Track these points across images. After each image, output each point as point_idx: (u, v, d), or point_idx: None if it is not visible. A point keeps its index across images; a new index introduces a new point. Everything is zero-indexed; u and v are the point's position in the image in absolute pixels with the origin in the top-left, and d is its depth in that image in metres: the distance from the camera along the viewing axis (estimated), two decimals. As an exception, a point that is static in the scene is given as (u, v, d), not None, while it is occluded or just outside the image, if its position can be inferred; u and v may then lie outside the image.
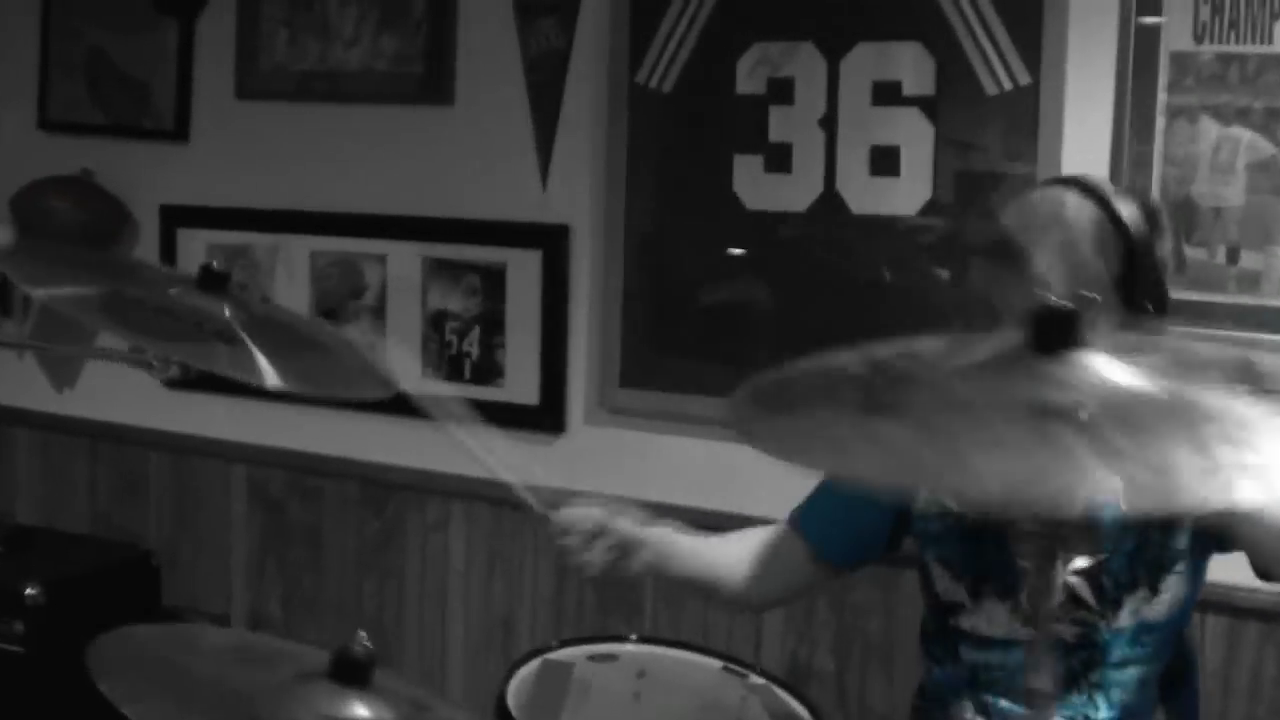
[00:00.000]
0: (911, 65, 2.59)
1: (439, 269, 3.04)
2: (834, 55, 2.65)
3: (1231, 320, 2.39)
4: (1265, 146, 2.37)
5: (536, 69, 2.90)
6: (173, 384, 1.59)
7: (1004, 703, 1.85)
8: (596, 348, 2.92)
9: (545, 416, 2.97)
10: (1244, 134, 2.38)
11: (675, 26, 2.75)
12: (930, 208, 2.61)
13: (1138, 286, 1.76)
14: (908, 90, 2.61)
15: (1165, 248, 1.81)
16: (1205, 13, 2.38)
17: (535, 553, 3.04)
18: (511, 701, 1.74)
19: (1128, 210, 1.78)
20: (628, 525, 1.95)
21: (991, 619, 1.86)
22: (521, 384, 2.98)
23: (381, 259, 3.10)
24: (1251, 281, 2.39)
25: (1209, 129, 2.40)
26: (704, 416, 2.80)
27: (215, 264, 1.63)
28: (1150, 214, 1.81)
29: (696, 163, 2.79)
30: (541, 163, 2.93)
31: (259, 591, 3.37)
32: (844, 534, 2.02)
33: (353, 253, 3.13)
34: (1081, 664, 1.82)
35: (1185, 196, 2.43)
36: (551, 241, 2.93)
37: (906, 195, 2.63)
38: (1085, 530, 1.81)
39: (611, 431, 2.95)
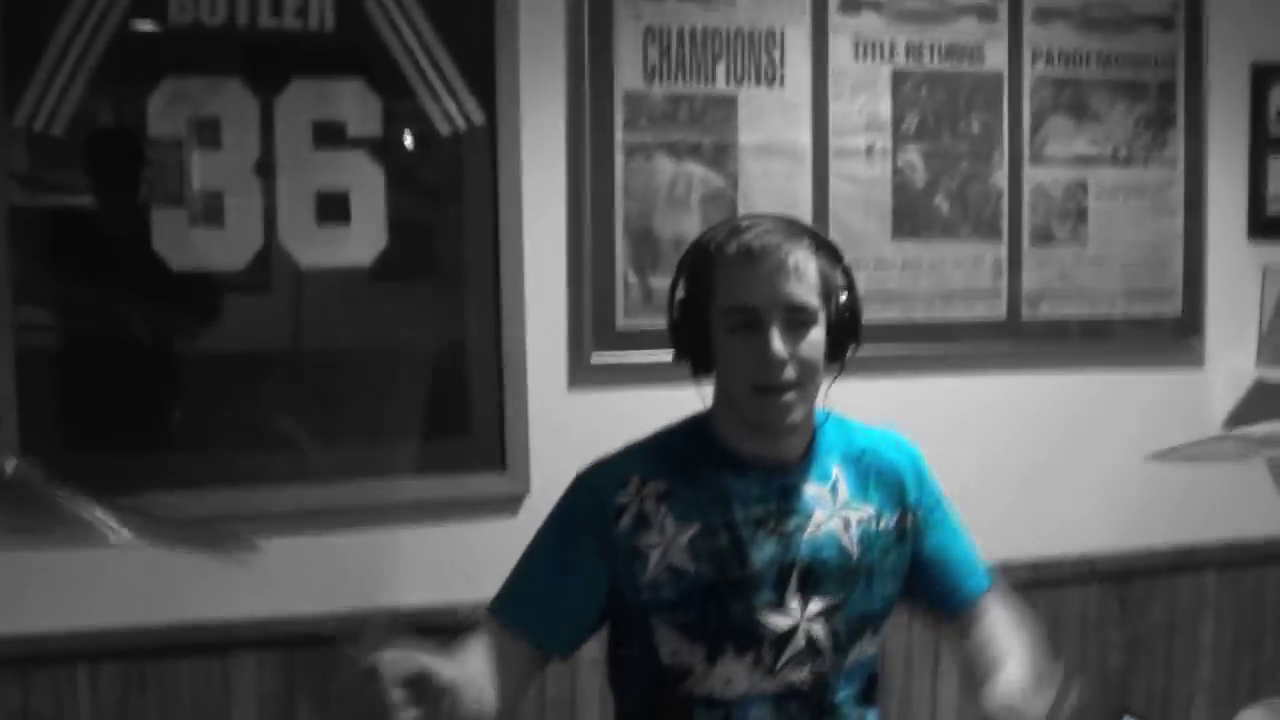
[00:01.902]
0: (356, 104, 2.39)
1: None
2: (266, 93, 2.36)
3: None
4: (715, 179, 2.50)
5: None
6: None
7: None
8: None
9: (-88, 549, 2.33)
10: (696, 169, 2.49)
11: (61, 59, 2.27)
12: (387, 256, 2.43)
13: (854, 321, 1.79)
14: (353, 131, 2.40)
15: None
16: (654, 55, 2.45)
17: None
18: None
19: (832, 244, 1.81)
20: (446, 668, 1.57)
21: (731, 679, 1.78)
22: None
23: None
24: (712, 308, 2.51)
25: (664, 165, 2.48)
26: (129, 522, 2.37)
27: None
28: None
29: (104, 220, 2.34)
30: None
31: None
32: (556, 618, 1.80)
33: None
34: (813, 709, 1.80)
35: (646, 230, 2.49)
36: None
37: (359, 244, 2.42)
38: (822, 572, 1.80)
39: (9, 556, 2.38)
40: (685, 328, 1.80)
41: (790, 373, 1.73)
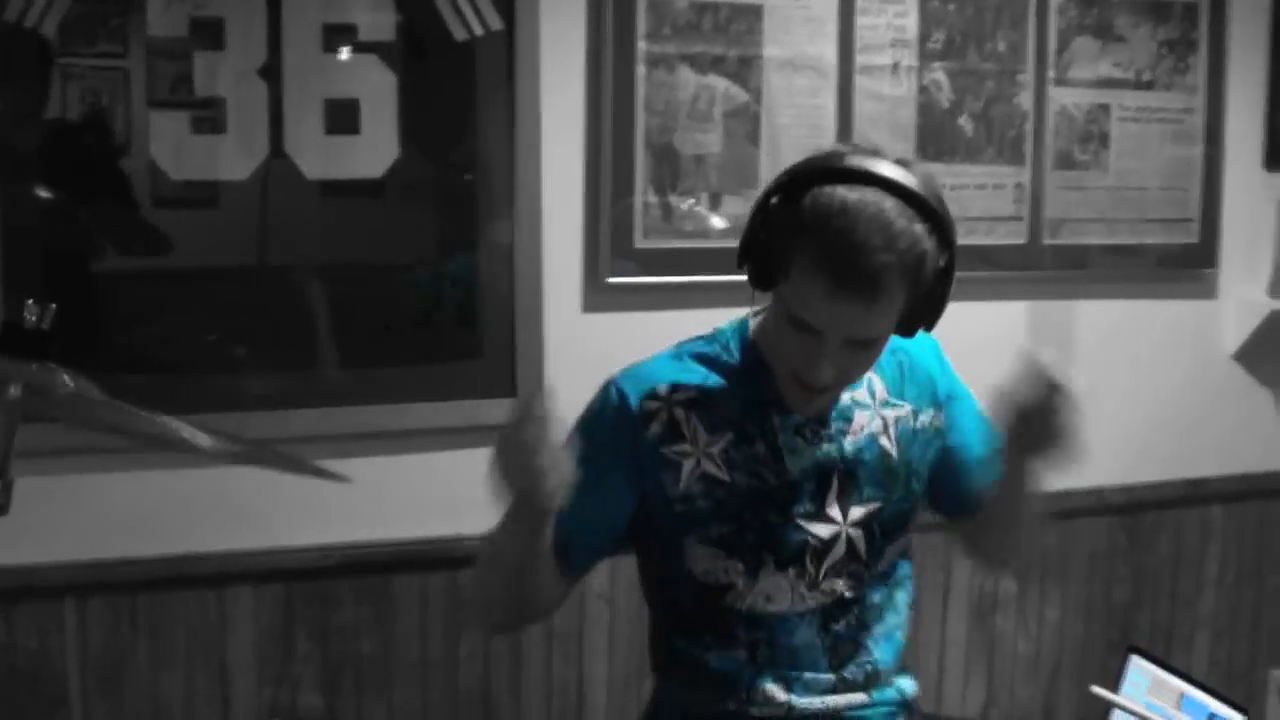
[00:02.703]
0: (367, 7, 2.28)
1: None
2: (273, -8, 2.24)
3: (717, 267, 2.41)
4: (739, 94, 2.42)
5: None
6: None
7: (807, 674, 1.72)
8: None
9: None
10: (719, 82, 2.40)
11: (54, -50, 2.14)
12: (398, 169, 2.32)
13: (932, 315, 1.67)
14: (364, 35, 2.28)
15: None
16: (677, -38, 2.36)
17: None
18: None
19: (944, 211, 1.61)
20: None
21: (771, 594, 1.71)
22: None
23: None
24: (734, 226, 2.42)
25: (687, 77, 2.39)
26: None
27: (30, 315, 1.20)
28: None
29: (97, 124, 2.20)
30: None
31: None
32: (585, 540, 1.72)
33: None
34: (857, 617, 1.75)
35: (667, 145, 2.40)
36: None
37: (369, 155, 2.31)
38: (863, 476, 1.74)
39: None
40: (756, 259, 1.66)
41: (832, 379, 1.64)
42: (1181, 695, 2.66)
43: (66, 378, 1.33)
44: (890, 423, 1.77)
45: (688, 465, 1.70)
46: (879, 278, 1.54)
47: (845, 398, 1.76)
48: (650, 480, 1.70)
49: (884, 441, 1.77)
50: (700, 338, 1.80)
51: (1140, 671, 2.73)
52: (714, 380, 1.74)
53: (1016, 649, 2.86)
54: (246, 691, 2.40)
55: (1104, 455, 2.84)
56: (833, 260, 1.54)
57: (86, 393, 1.36)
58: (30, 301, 1.27)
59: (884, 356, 1.77)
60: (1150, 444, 2.87)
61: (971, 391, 1.85)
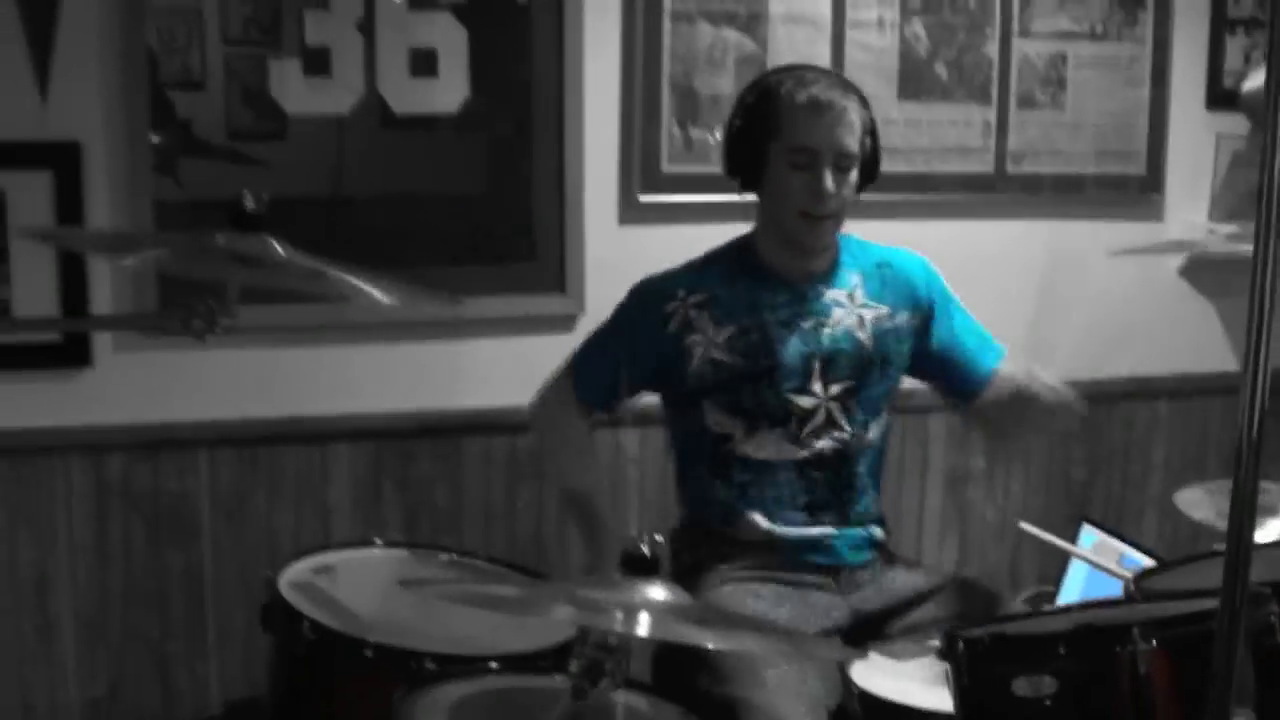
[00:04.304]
0: (445, -27, 2.79)
1: (-95, 200, 2.66)
2: (367, -39, 2.76)
3: (727, 189, 2.90)
4: (748, 44, 2.91)
5: (22, -37, 2.64)
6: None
7: (787, 510, 2.27)
8: (125, 274, 2.74)
9: (67, 351, 2.76)
10: (732, 34, 2.90)
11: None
12: (469, 106, 2.84)
13: (876, 163, 2.27)
14: (442, -1, 2.80)
15: None
16: (696, -74, 2.85)
17: (67, 499, 2.81)
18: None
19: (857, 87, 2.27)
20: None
21: (763, 446, 2.26)
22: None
23: None
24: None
25: (705, 30, 2.88)
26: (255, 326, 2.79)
27: (249, 201, 1.56)
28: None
29: (228, 68, 2.74)
30: (37, 69, 2.68)
31: None
32: (612, 395, 2.31)
33: None
34: (834, 471, 2.28)
35: (689, 88, 2.91)
36: (60, 160, 2.70)
37: (446, 94, 2.83)
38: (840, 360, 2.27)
39: (145, 357, 2.81)
40: (742, 152, 2.24)
41: (833, 205, 2.19)
42: (1121, 555, 3.15)
43: (279, 247, 1.77)
44: (867, 319, 2.29)
45: (699, 352, 2.24)
46: (840, 98, 2.17)
47: (828, 297, 2.28)
48: (670, 363, 2.26)
49: (859, 335, 2.28)
50: (716, 248, 2.35)
51: (1090, 537, 3.23)
52: (721, 284, 2.28)
53: (985, 517, 3.35)
54: (342, 528, 2.94)
55: (1066, 355, 3.33)
56: (807, 96, 2.17)
57: (298, 259, 1.79)
58: (246, 190, 1.72)
59: (870, 269, 2.30)
60: (1106, 347, 3.32)
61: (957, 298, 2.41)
